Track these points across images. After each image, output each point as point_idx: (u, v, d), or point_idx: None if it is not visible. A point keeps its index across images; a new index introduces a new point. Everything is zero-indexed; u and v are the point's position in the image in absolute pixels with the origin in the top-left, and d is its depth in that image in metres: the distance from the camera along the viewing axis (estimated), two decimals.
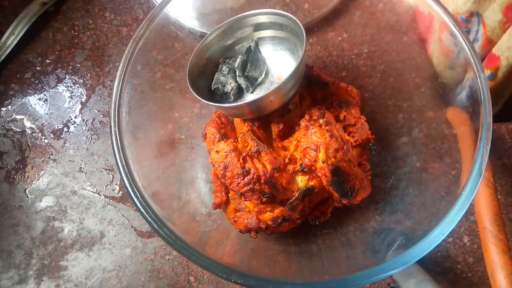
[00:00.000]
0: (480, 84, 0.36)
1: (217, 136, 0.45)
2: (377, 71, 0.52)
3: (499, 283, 0.39)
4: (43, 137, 0.59)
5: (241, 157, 0.40)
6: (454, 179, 0.38)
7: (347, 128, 0.45)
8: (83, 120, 0.60)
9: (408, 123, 0.48)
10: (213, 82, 0.43)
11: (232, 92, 0.42)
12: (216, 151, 0.41)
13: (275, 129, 0.43)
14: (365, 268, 0.33)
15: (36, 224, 0.55)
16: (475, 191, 0.33)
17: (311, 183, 0.40)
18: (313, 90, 0.46)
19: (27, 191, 0.57)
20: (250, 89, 0.42)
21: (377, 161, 0.48)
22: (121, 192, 0.56)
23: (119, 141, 0.39)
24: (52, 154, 0.58)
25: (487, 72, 0.48)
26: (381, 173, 0.47)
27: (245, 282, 0.33)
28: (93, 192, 0.56)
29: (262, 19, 0.44)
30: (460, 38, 0.39)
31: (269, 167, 0.39)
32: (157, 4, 0.53)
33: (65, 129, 0.60)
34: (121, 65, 0.42)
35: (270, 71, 0.44)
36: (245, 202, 0.42)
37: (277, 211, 0.40)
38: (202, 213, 0.47)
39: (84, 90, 0.61)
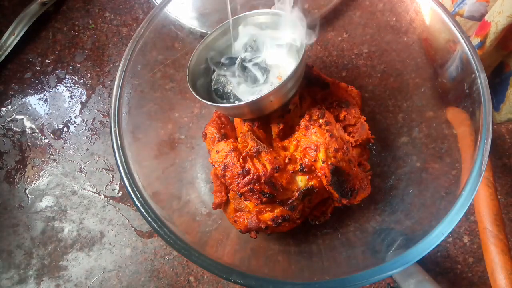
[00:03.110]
0: (480, 84, 0.36)
1: (217, 136, 0.45)
2: (377, 71, 0.52)
3: (499, 283, 0.39)
4: (43, 137, 0.59)
5: (241, 157, 0.40)
6: (454, 179, 0.38)
7: (347, 128, 0.45)
8: (83, 120, 0.60)
9: (408, 123, 0.48)
10: (213, 82, 0.43)
11: (232, 92, 0.42)
12: (216, 151, 0.41)
13: (275, 129, 0.43)
14: (365, 268, 0.33)
15: (36, 224, 0.55)
16: (475, 191, 0.33)
17: (311, 183, 0.40)
18: (313, 90, 0.46)
19: (27, 191, 0.57)
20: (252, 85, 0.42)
21: (377, 161, 0.48)
22: (121, 192, 0.56)
23: (119, 141, 0.39)
24: (52, 154, 0.58)
25: (477, 40, 0.46)
26: (381, 173, 0.47)
27: (245, 282, 0.33)
28: (93, 192, 0.56)
29: (262, 19, 0.44)
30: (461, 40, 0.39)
31: (269, 167, 0.39)
32: (157, 4, 0.53)
33: (65, 129, 0.60)
34: (121, 65, 0.42)
35: (270, 71, 0.44)
36: (245, 202, 0.42)
37: (277, 211, 0.40)
38: (202, 213, 0.47)
39: (84, 90, 0.61)
